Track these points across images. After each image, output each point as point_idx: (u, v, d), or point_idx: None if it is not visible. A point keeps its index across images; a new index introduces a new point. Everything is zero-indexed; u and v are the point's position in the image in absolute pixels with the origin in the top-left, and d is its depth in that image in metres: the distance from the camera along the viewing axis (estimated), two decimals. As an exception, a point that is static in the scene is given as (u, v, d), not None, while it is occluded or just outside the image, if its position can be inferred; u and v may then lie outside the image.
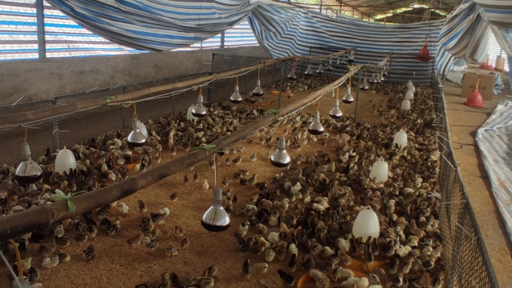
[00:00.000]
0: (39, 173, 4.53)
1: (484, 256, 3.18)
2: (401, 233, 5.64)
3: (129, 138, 5.96)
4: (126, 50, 13.26)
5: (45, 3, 10.27)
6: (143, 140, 6.02)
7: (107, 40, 12.51)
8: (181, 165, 3.36)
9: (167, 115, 11.14)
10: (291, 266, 4.86)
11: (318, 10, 26.55)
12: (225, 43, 18.92)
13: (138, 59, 13.31)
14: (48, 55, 10.59)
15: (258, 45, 21.13)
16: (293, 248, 5.14)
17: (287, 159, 5.08)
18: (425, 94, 16.82)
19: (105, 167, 7.13)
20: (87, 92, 8.41)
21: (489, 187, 8.15)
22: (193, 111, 7.77)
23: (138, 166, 7.50)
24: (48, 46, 10.57)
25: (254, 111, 12.13)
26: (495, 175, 8.70)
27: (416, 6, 41.88)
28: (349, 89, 9.44)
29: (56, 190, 2.46)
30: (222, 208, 3.71)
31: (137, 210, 6.05)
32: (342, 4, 33.50)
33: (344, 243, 5.28)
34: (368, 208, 5.49)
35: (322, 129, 6.80)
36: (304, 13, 20.45)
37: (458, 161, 8.15)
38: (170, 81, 10.94)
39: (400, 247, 5.22)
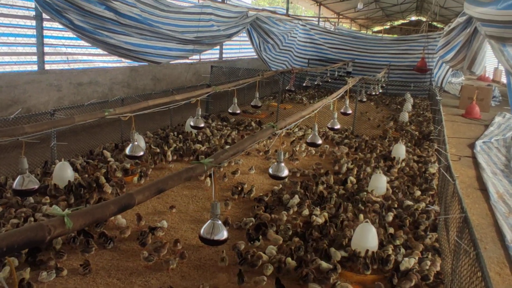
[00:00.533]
0: (36, 187, 4.52)
1: (483, 271, 3.17)
2: (401, 246, 5.62)
3: (127, 151, 5.94)
4: (125, 62, 13.29)
5: (45, 16, 10.32)
6: (141, 153, 5.99)
7: (105, 52, 12.58)
8: (179, 179, 3.35)
9: (165, 127, 11.14)
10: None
11: (316, 22, 26.73)
12: (224, 55, 18.98)
13: (137, 71, 13.34)
14: (47, 67, 10.62)
15: (256, 57, 21.24)
16: (291, 261, 5.12)
17: (285, 172, 5.08)
18: (423, 106, 16.87)
19: (102, 180, 7.11)
20: (86, 104, 8.41)
21: (487, 199, 8.14)
22: (192, 123, 7.76)
23: (135, 178, 7.49)
24: (47, 58, 10.60)
25: (252, 123, 12.14)
26: (494, 188, 8.70)
27: (414, 18, 42.13)
28: (347, 101, 9.46)
29: (53, 206, 2.46)
30: (220, 222, 3.70)
31: (134, 223, 6.02)
32: (340, 16, 33.72)
33: (337, 254, 5.29)
34: (367, 222, 5.47)
35: (320, 141, 6.80)
36: (302, 25, 20.58)
37: (457, 174, 8.15)
38: (169, 93, 10.97)
39: (403, 260, 5.19)
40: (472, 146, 11.95)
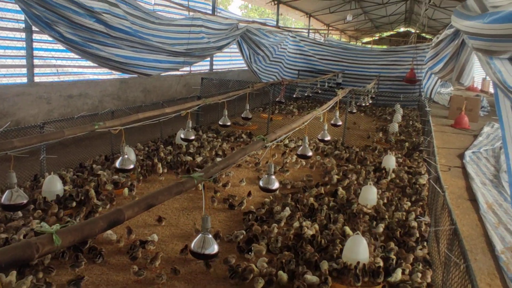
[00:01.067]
0: (25, 201, 4.50)
1: (473, 285, 3.19)
2: (393, 258, 5.63)
3: (117, 164, 5.93)
4: (115, 74, 13.29)
5: (34, 28, 10.30)
6: (131, 166, 5.99)
7: (96, 64, 12.57)
8: (169, 194, 3.33)
9: (156, 139, 11.12)
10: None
11: (306, 34, 26.92)
12: (214, 67, 19.04)
13: (127, 83, 13.33)
14: (36, 79, 10.58)
15: (246, 68, 21.33)
16: (282, 275, 5.10)
17: (276, 185, 5.10)
18: (413, 117, 17.01)
19: (92, 193, 7.06)
20: (76, 117, 8.37)
21: (477, 210, 8.19)
22: (182, 136, 7.76)
23: (126, 190, 7.46)
24: (36, 70, 10.58)
25: (243, 135, 12.15)
26: (483, 198, 8.76)
27: (402, 29, 42.61)
28: (338, 113, 9.51)
29: (42, 223, 2.43)
30: (210, 236, 3.69)
31: (125, 237, 5.98)
32: (330, 28, 33.99)
33: (325, 264, 5.31)
34: (358, 234, 5.48)
35: (310, 153, 6.83)
36: (292, 36, 20.72)
37: (446, 185, 8.20)
38: (159, 105, 10.96)
39: (394, 272, 5.20)
40: (461, 156, 12.05)
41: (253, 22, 16.97)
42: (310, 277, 5.03)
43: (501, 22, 3.94)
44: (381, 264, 5.34)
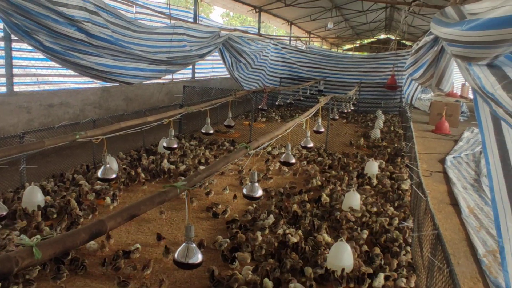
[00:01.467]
0: (4, 213, 4.41)
1: (456, 289, 3.22)
2: (376, 263, 5.66)
3: (99, 174, 5.87)
4: (97, 83, 13.17)
5: (13, 37, 10.18)
6: (114, 176, 5.92)
7: (77, 73, 12.45)
8: (152, 204, 3.31)
9: (138, 148, 11.04)
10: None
11: (288, 42, 27.07)
12: (196, 75, 19.01)
13: (109, 91, 13.23)
14: (16, 88, 10.44)
15: (229, 76, 21.34)
16: (268, 282, 5.09)
17: (259, 192, 5.07)
18: (394, 123, 17.18)
19: (74, 204, 6.97)
20: (56, 126, 8.28)
21: (459, 214, 8.29)
22: (165, 144, 7.71)
23: (108, 198, 7.38)
24: (16, 79, 10.44)
25: (226, 143, 12.13)
26: (465, 202, 8.87)
27: (382, 36, 43.13)
28: (320, 120, 9.55)
29: (22, 236, 2.40)
30: (194, 245, 3.66)
31: (107, 244, 5.90)
32: (311, 35, 34.25)
33: (309, 270, 5.34)
34: (342, 240, 5.50)
35: (293, 160, 6.82)
36: (274, 44, 20.80)
37: (429, 190, 8.28)
38: (141, 113, 10.91)
39: (377, 277, 5.23)
40: (443, 161, 12.20)
41: (235, 30, 16.99)
42: (295, 285, 5.03)
43: (479, 30, 4.00)
44: (366, 270, 5.35)
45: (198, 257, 3.67)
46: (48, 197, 7.13)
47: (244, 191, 5.05)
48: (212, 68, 20.74)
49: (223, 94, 13.29)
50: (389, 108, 19.61)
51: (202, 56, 13.63)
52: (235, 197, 7.91)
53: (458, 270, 5.97)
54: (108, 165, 5.90)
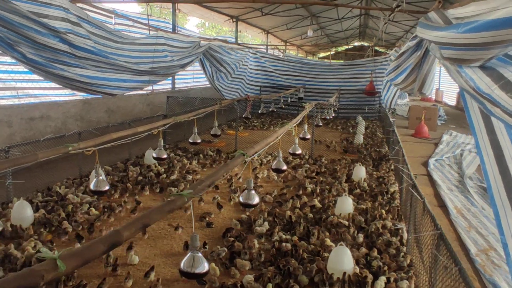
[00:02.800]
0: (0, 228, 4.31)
1: (469, 286, 3.24)
2: (375, 265, 5.68)
3: (92, 186, 5.78)
4: (78, 95, 12.99)
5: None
6: (107, 188, 5.84)
7: (58, 86, 12.25)
8: (162, 213, 3.28)
9: (124, 159, 10.89)
10: None
11: (265, 50, 27.19)
12: (176, 85, 18.91)
13: (90, 103, 13.04)
14: (-5, 102, 10.24)
15: (209, 85, 21.29)
16: (270, 290, 5.06)
17: (256, 200, 5.05)
18: (374, 128, 17.37)
19: (64, 218, 6.83)
20: (42, 140, 8.11)
21: (447, 215, 8.40)
22: (154, 155, 7.63)
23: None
24: (-5, 93, 10.24)
25: (210, 152, 12.05)
26: (452, 203, 8.99)
27: (357, 43, 43.73)
28: (306, 126, 9.59)
29: (42, 249, 2.33)
30: (200, 254, 3.61)
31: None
32: (287, 44, 34.50)
33: (304, 278, 5.37)
34: (341, 245, 5.50)
35: (285, 167, 6.84)
36: (252, 53, 20.87)
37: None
38: (125, 125, 10.80)
39: (379, 280, 5.25)
40: (425, 164, 12.37)
41: (214, 39, 16.98)
42: (298, 291, 5.01)
43: (476, 31, 4.09)
44: (365, 273, 5.37)
45: (205, 266, 3.62)
46: (37, 213, 6.95)
47: (241, 198, 5.02)
48: (192, 78, 20.67)
49: (206, 103, 13.24)
50: (368, 113, 19.84)
51: (183, 66, 13.58)
52: (220, 207, 7.85)
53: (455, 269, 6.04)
54: (101, 177, 5.83)
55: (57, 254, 2.22)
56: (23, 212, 6.53)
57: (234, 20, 23.27)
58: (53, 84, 11.94)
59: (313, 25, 29.03)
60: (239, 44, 21.46)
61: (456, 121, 22.68)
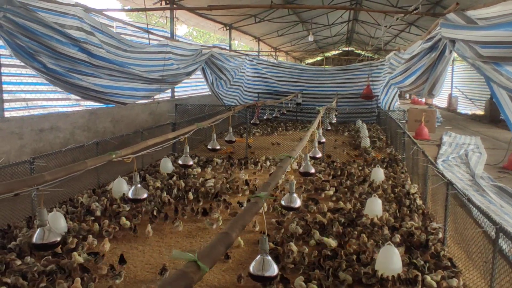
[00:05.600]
0: (58, 239, 4.23)
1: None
2: (419, 264, 5.70)
3: (130, 194, 5.73)
4: (82, 106, 12.86)
5: (3, 61, 9.85)
6: (145, 195, 5.80)
7: (64, 96, 12.11)
8: (251, 214, 3.31)
9: (138, 169, 10.75)
10: None
11: (260, 57, 27.27)
12: (176, 93, 18.81)
13: (96, 113, 12.90)
14: (6, 114, 10.04)
15: (206, 94, 21.30)
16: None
17: (298, 203, 5.04)
18: (375, 131, 17.52)
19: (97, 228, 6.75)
20: (63, 150, 8.02)
21: (470, 214, 8.45)
22: (180, 162, 7.57)
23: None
24: (6, 105, 10.04)
25: (217, 160, 12.00)
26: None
27: (344, 49, 44.15)
28: (321, 130, 9.61)
29: (174, 251, 2.28)
30: (269, 257, 3.58)
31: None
32: (277, 50, 34.68)
33: (349, 278, 5.40)
34: (389, 244, 5.52)
35: (313, 170, 6.83)
36: (249, 60, 20.91)
37: (432, 193, 8.47)
38: (139, 134, 10.73)
39: (429, 277, 5.28)
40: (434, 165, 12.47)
41: (214, 47, 16.97)
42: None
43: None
44: (417, 273, 5.38)
45: (274, 270, 3.60)
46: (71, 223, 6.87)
47: (283, 202, 5.03)
48: (190, 86, 20.60)
49: (214, 110, 13.22)
50: (367, 117, 19.99)
51: (189, 74, 13.58)
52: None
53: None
54: (138, 185, 5.79)
55: (193, 256, 2.19)
56: (57, 223, 6.42)
57: (228, 28, 23.32)
58: (59, 95, 11.84)
59: (301, 31, 29.34)
60: (236, 51, 21.51)
61: (450, 122, 23.01)
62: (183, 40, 19.03)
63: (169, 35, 17.35)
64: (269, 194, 3.86)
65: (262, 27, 25.10)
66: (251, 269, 3.54)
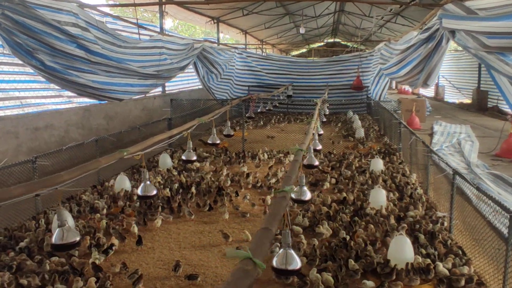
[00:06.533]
0: (77, 239, 4.22)
1: None
2: (431, 253, 5.78)
3: (139, 191, 5.72)
4: (75, 102, 12.72)
5: (-3, 59, 9.72)
6: (154, 192, 5.79)
7: (56, 94, 11.96)
8: (282, 208, 3.32)
9: (134, 165, 10.69)
10: None
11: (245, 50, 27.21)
12: (166, 88, 18.70)
13: (90, 110, 12.78)
14: (0, 113, 9.90)
15: (195, 88, 21.19)
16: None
17: (308, 195, 5.07)
18: (369, 122, 17.62)
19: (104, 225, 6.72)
20: (64, 148, 7.95)
21: (469, 202, 8.58)
22: (183, 157, 7.54)
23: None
24: (0, 103, 9.91)
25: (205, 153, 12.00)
26: (469, 191, 9.18)
27: (330, 40, 44.23)
28: (319, 122, 9.65)
29: (228, 249, 2.29)
30: (292, 251, 3.59)
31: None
32: (264, 43, 34.62)
33: (352, 263, 5.50)
34: (401, 234, 5.58)
35: (317, 163, 6.86)
36: (239, 53, 20.82)
37: (432, 180, 8.58)
38: (136, 130, 10.66)
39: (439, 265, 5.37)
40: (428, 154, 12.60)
41: (205, 41, 16.88)
42: (369, 282, 5.06)
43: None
44: (429, 262, 5.46)
45: (298, 263, 3.62)
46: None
47: (293, 195, 5.06)
48: (181, 81, 20.48)
49: (207, 104, 13.16)
50: (357, 108, 20.08)
51: (182, 69, 13.47)
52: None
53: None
54: (148, 182, 5.77)
55: (248, 253, 2.20)
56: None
57: (216, 21, 23.20)
58: (51, 93, 11.69)
59: (288, 23, 29.35)
60: (225, 45, 21.44)
61: (439, 111, 23.24)
62: (173, 34, 18.93)
63: (158, 30, 17.24)
64: (293, 187, 3.90)
65: (249, 20, 25.03)
66: (274, 263, 3.55)
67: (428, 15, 9.91)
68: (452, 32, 7.50)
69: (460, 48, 14.25)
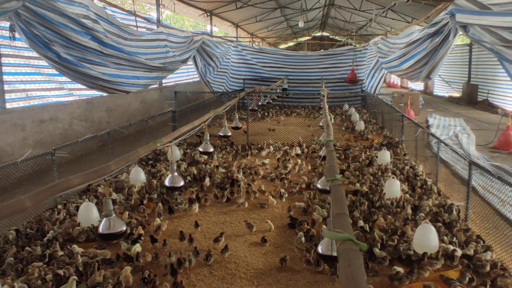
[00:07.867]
0: (124, 228, 4.30)
1: None
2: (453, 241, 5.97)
3: (167, 183, 5.81)
4: (76, 95, 12.66)
5: (3, 51, 9.63)
6: (182, 183, 5.88)
7: (58, 86, 11.89)
8: (343, 195, 3.44)
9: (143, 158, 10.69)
10: None
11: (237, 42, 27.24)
12: (164, 81, 18.67)
13: (92, 103, 12.74)
14: (7, 105, 9.83)
15: (191, 81, 21.19)
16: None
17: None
18: (367, 115, 17.80)
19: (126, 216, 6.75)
20: (80, 140, 7.93)
21: (476, 192, 8.80)
22: (201, 149, 7.60)
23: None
24: (6, 96, 9.83)
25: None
26: (475, 182, 9.41)
27: (318, 34, 44.45)
28: (328, 114, 9.76)
29: (324, 231, 2.39)
30: None
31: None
32: (254, 36, 34.67)
33: (378, 251, 5.67)
34: (426, 222, 5.74)
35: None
36: (234, 46, 20.85)
37: (434, 173, 8.76)
38: (144, 122, 10.68)
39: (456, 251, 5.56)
40: (428, 146, 12.82)
41: (203, 34, 16.87)
42: (399, 269, 5.22)
43: None
44: (452, 248, 5.64)
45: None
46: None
47: (318, 185, 5.23)
48: (176, 73, 20.44)
49: (211, 97, 13.20)
50: (352, 101, 20.26)
51: (184, 61, 13.53)
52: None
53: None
54: (175, 173, 5.85)
55: (348, 235, 2.31)
56: (90, 214, 6.37)
57: (208, 14, 23.18)
58: (53, 85, 11.63)
59: (278, 17, 29.48)
60: (221, 38, 21.45)
61: (430, 105, 23.60)
62: (173, 27, 18.88)
63: (154, 21, 17.19)
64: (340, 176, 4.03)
65: (241, 13, 25.08)
66: (319, 249, 3.68)
67: (434, 10, 10.12)
68: (464, 26, 7.69)
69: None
